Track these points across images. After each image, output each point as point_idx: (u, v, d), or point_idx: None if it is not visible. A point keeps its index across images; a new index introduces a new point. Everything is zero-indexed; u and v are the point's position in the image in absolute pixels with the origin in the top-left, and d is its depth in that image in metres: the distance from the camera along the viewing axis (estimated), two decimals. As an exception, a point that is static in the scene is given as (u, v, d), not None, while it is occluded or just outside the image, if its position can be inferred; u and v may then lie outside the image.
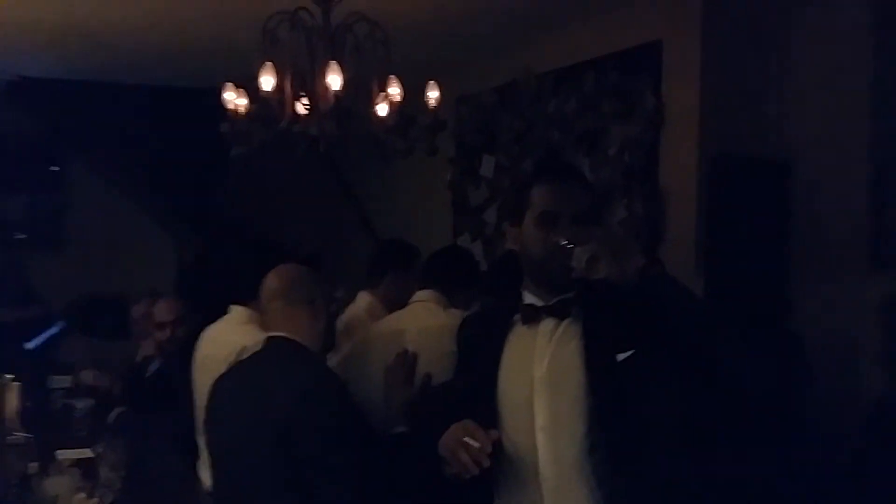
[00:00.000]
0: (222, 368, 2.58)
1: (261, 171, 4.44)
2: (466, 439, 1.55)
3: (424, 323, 2.36)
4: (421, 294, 2.46)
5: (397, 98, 2.85)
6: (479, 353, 1.76)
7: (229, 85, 2.85)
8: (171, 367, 3.20)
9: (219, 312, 2.98)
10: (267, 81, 2.68)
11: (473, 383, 1.76)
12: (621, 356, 1.60)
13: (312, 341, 2.11)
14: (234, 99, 2.83)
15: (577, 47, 3.90)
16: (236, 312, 2.85)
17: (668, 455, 1.64)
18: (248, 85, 2.83)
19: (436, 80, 3.02)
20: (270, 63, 2.68)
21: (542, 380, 1.65)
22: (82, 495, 2.45)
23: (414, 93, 3.02)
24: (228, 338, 2.76)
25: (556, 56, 4.02)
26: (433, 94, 2.98)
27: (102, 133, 4.93)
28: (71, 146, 5.23)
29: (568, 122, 3.98)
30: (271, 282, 2.17)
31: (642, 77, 3.58)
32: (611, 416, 1.60)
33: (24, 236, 5.40)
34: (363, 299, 2.91)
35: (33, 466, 2.65)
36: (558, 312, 1.67)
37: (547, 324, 1.68)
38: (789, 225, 3.42)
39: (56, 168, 5.39)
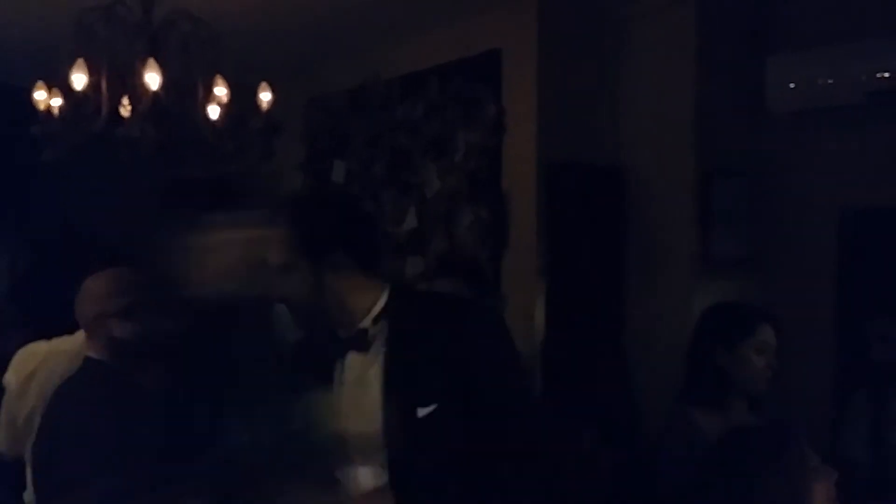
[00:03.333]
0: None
1: (90, 176, 4.19)
2: None
3: None
4: None
5: (224, 99, 2.74)
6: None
7: (40, 83, 2.66)
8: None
9: (50, 325, 2.80)
10: (79, 79, 2.52)
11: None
12: (423, 411, 1.53)
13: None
14: (46, 98, 2.65)
15: (423, 54, 3.90)
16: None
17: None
18: (64, 84, 2.65)
19: (282, 82, 2.93)
20: (82, 59, 2.52)
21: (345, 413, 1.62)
22: None
23: (253, 98, 2.92)
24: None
25: (403, 62, 4.01)
26: (265, 96, 2.89)
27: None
28: None
29: (416, 127, 3.98)
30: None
31: (484, 85, 3.62)
32: (402, 469, 1.56)
33: None
34: None
35: None
36: (357, 345, 1.62)
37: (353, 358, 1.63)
38: (624, 230, 3.54)
39: None
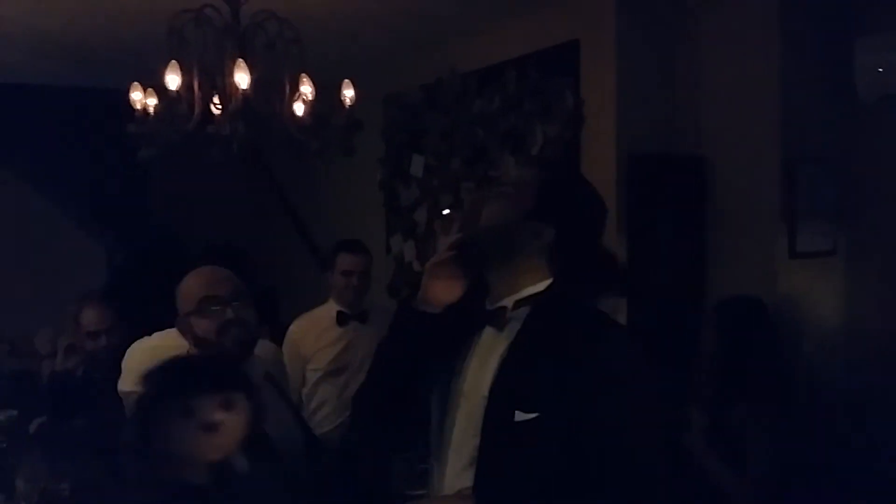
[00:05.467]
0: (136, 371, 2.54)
1: (184, 173, 4.36)
2: None
3: None
4: None
5: (310, 97, 2.82)
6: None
7: (136, 85, 2.79)
8: (96, 376, 3.13)
9: (148, 321, 2.93)
10: (172, 80, 2.63)
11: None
12: (521, 416, 1.46)
13: None
14: (142, 99, 2.77)
15: (499, 47, 3.92)
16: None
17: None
18: (159, 86, 2.78)
19: (360, 80, 3.00)
20: (175, 61, 2.63)
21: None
22: (-5, 509, 2.38)
23: (338, 93, 2.99)
24: (141, 345, 2.73)
25: (480, 55, 4.03)
26: (348, 93, 2.96)
27: (17, 136, 4.80)
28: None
29: (492, 121, 4.00)
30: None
31: (562, 76, 3.61)
32: (488, 472, 1.52)
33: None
34: None
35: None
36: (494, 321, 1.58)
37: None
38: (706, 222, 3.49)
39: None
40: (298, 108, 2.90)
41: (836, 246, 3.38)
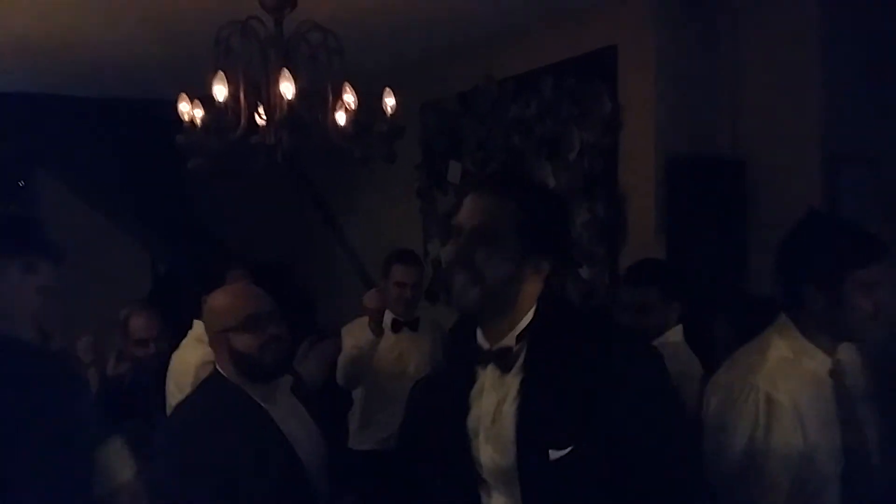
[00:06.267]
0: (185, 390, 2.61)
1: (228, 181, 4.44)
2: None
3: None
4: None
5: (352, 106, 2.86)
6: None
7: (183, 95, 2.85)
8: (145, 381, 3.21)
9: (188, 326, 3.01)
10: (219, 91, 2.69)
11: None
12: (555, 454, 1.44)
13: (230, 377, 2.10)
14: (189, 110, 2.84)
15: (536, 53, 3.94)
16: (196, 327, 2.89)
17: None
18: (205, 96, 2.84)
19: (398, 87, 3.04)
20: (222, 72, 2.69)
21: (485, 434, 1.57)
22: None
23: (378, 101, 3.03)
24: (185, 356, 2.81)
25: (516, 61, 4.06)
26: (389, 101, 2.99)
27: (66, 146, 4.93)
28: (35, 161, 5.22)
29: (529, 127, 4.02)
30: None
31: (599, 82, 3.63)
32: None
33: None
34: None
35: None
36: (499, 362, 1.55)
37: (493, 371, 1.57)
38: (747, 225, 3.47)
39: (22, 183, 5.38)
40: (340, 117, 2.95)
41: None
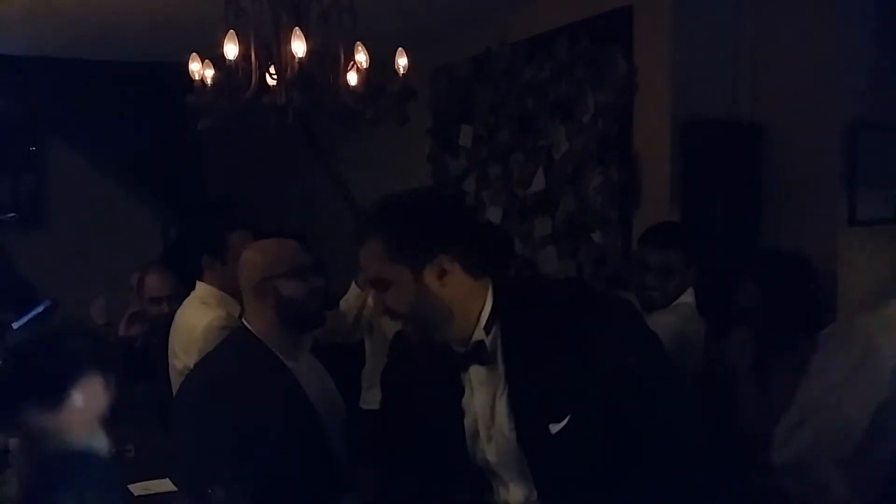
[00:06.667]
0: (192, 353, 2.61)
1: (237, 144, 4.43)
2: None
3: None
4: None
5: (364, 65, 2.83)
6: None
7: (195, 56, 2.82)
8: (157, 342, 3.22)
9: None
10: (231, 50, 2.65)
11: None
12: (556, 427, 1.45)
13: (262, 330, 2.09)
14: (200, 70, 2.81)
15: (550, 14, 3.88)
16: (199, 288, 2.89)
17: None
18: (216, 57, 2.81)
19: (410, 50, 3.00)
20: (233, 31, 2.66)
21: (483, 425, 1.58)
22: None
23: (389, 64, 3.00)
24: (189, 319, 2.81)
25: (530, 24, 4.00)
26: (402, 62, 2.95)
27: (75, 111, 4.91)
28: (45, 126, 5.21)
29: (542, 90, 3.98)
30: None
31: (614, 43, 3.57)
32: (550, 486, 1.52)
33: (14, 215, 5.34)
34: None
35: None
36: (478, 359, 1.54)
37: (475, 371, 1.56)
38: (763, 190, 3.43)
39: (33, 148, 5.37)
40: (352, 78, 2.91)
41: (898, 212, 3.30)
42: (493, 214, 4.33)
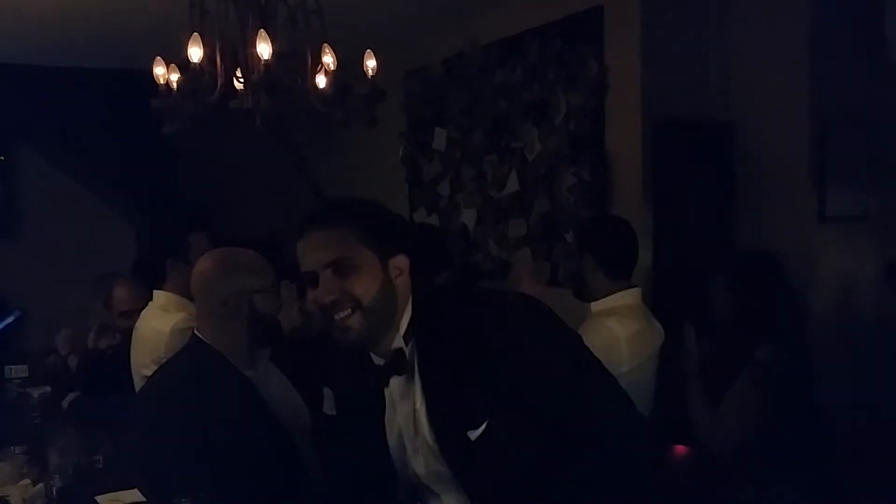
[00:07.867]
0: (147, 358, 2.57)
1: (209, 149, 4.37)
2: None
3: None
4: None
5: (332, 67, 2.80)
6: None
7: (159, 59, 2.77)
8: (122, 352, 3.17)
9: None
10: (195, 53, 2.61)
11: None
12: (474, 434, 1.43)
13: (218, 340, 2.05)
14: (165, 73, 2.76)
15: (522, 15, 3.87)
16: (156, 298, 2.86)
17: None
18: (182, 61, 2.77)
19: (383, 53, 2.98)
20: (197, 34, 2.62)
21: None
22: (26, 481, 2.40)
23: (359, 64, 2.97)
24: (152, 325, 2.77)
25: (501, 25, 3.99)
26: (370, 63, 2.92)
27: (43, 119, 4.84)
28: (14, 134, 5.13)
29: (515, 91, 3.97)
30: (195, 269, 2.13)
31: (585, 44, 3.57)
32: (480, 494, 1.50)
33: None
34: None
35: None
36: (396, 369, 1.52)
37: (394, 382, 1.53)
38: (734, 189, 3.44)
39: (2, 158, 5.29)
40: (321, 80, 2.88)
41: (868, 210, 3.32)
42: (468, 217, 4.31)
